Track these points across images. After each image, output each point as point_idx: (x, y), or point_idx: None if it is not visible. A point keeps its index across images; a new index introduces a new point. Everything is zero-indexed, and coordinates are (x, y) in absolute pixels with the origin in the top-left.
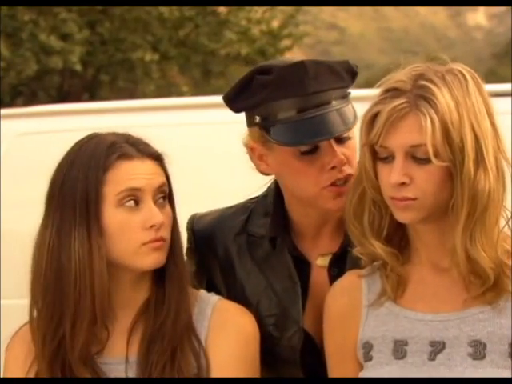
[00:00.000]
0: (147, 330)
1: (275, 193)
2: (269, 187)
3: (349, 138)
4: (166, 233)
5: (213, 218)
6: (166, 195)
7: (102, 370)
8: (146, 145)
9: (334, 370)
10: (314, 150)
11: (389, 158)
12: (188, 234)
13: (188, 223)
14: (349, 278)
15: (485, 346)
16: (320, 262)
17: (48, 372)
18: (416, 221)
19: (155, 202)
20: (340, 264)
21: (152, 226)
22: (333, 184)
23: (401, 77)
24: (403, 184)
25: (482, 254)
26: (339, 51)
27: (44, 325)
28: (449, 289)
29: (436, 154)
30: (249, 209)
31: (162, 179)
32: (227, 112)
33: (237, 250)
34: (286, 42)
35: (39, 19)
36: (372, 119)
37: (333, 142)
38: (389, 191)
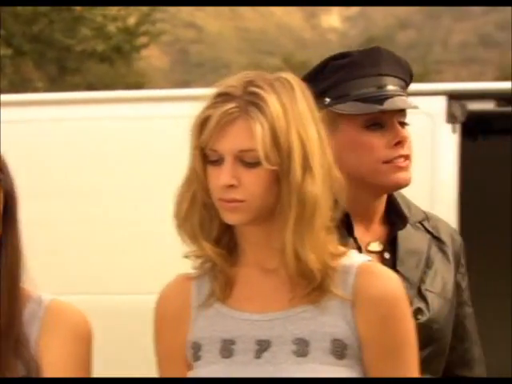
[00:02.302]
0: None
1: None
2: None
3: (407, 124)
4: None
5: None
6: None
7: None
8: None
9: (164, 373)
10: (379, 126)
11: (219, 161)
12: None
13: None
14: (178, 280)
15: (308, 343)
16: (373, 248)
17: None
18: (243, 222)
19: None
20: (392, 249)
21: None
22: (394, 160)
23: (232, 82)
24: (231, 186)
25: (310, 255)
26: (197, 50)
27: None
28: (275, 289)
29: (265, 159)
30: None
31: None
32: (84, 108)
33: None
34: (142, 40)
35: None
36: (203, 123)
37: (396, 121)
38: (218, 193)
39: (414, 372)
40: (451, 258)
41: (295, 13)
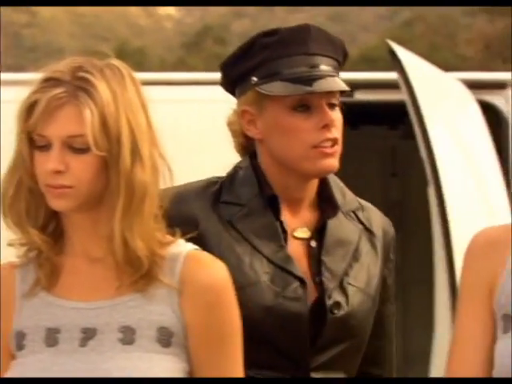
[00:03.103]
0: None
1: (252, 167)
2: (237, 166)
3: (337, 106)
4: None
5: (178, 191)
6: None
7: None
8: None
9: None
10: (306, 108)
11: (46, 147)
12: None
13: None
14: (0, 269)
15: (134, 331)
16: (300, 234)
17: None
18: (71, 209)
19: None
20: (319, 237)
21: None
22: (321, 145)
23: (59, 67)
24: (59, 172)
25: (138, 243)
26: (30, 34)
27: None
28: (102, 277)
29: (94, 144)
30: (217, 183)
31: None
32: None
33: (217, 218)
34: None
35: None
36: (29, 107)
37: (324, 104)
38: (45, 179)
39: (238, 361)
40: (380, 251)
41: None
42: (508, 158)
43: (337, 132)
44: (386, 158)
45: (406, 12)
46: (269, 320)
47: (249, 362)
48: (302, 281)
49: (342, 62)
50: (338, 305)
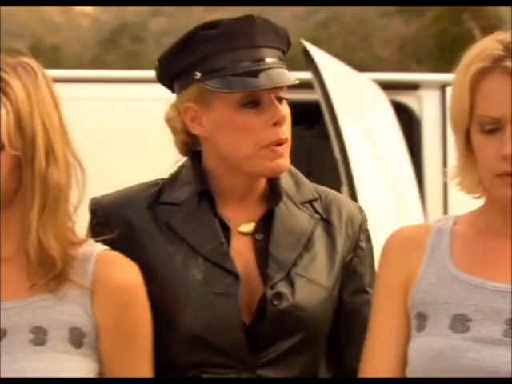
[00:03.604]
0: None
1: (192, 165)
2: (181, 166)
3: (285, 99)
4: None
5: (119, 194)
6: None
7: None
8: None
9: None
10: (256, 104)
11: None
12: (94, 209)
13: (91, 202)
14: None
15: (46, 332)
16: (244, 229)
17: None
18: None
19: None
20: (267, 229)
21: None
22: (272, 144)
23: None
24: None
25: (53, 243)
26: None
27: None
28: (13, 277)
29: (8, 143)
30: (158, 184)
31: None
32: None
33: (152, 220)
34: None
35: None
36: None
37: (274, 98)
38: None
39: (148, 361)
40: (342, 242)
41: None
42: (420, 158)
43: (287, 130)
44: (302, 157)
45: (322, 13)
46: (201, 318)
47: (188, 363)
48: (236, 276)
49: (286, 50)
50: (279, 296)
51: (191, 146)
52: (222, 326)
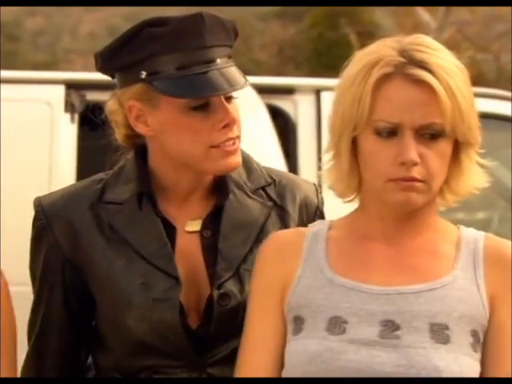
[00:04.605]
0: None
1: (135, 161)
2: (126, 159)
3: (234, 98)
4: None
5: (62, 193)
6: None
7: None
8: None
9: None
10: (205, 107)
11: None
12: (37, 211)
13: (35, 203)
14: None
15: None
16: (190, 227)
17: None
18: None
19: None
20: (215, 225)
21: None
22: (222, 144)
23: None
24: None
25: None
26: None
27: None
28: None
29: None
30: (102, 180)
31: None
32: None
33: (94, 221)
34: None
35: None
36: None
37: (223, 100)
38: None
39: (8, 362)
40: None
41: None
42: (296, 162)
43: (237, 129)
44: None
45: None
46: (143, 325)
47: (138, 366)
48: (177, 280)
49: (234, 42)
50: (225, 296)
51: (135, 140)
52: (164, 332)
